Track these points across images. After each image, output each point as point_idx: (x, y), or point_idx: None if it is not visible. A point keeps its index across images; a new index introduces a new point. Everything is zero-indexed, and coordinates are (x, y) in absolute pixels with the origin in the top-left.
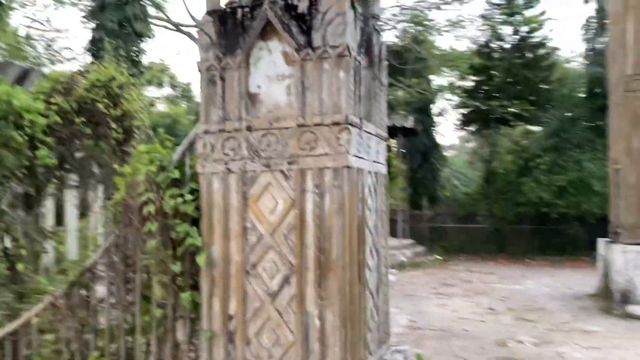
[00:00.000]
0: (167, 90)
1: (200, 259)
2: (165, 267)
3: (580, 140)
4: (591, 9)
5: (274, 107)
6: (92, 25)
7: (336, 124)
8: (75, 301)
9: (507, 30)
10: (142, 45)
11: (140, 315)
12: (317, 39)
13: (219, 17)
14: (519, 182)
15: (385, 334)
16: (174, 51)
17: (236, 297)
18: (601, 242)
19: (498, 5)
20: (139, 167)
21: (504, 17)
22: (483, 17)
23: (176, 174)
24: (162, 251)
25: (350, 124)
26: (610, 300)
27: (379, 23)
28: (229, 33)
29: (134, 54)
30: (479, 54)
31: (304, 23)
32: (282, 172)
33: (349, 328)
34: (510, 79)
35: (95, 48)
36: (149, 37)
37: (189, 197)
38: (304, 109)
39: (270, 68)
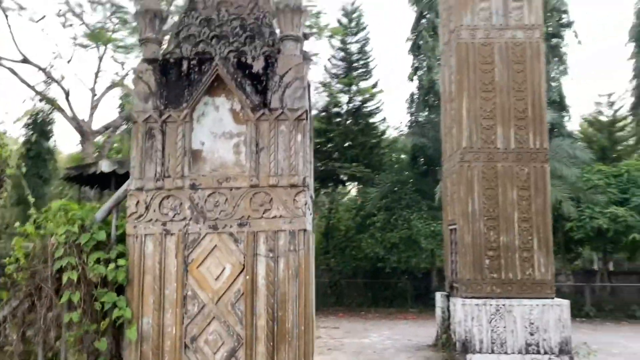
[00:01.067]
0: None
1: (130, 333)
2: (88, 344)
3: (409, 201)
4: (414, 85)
5: (220, 166)
6: None
7: (293, 186)
8: None
9: (344, 98)
10: None
11: None
12: (274, 101)
13: (161, 66)
14: (356, 238)
15: None
16: None
17: None
18: (438, 296)
19: (336, 75)
20: (53, 227)
21: (341, 86)
22: (323, 84)
23: (102, 236)
24: (83, 325)
25: (306, 187)
26: (451, 349)
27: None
28: (172, 84)
29: None
30: (318, 117)
31: (260, 83)
32: (231, 234)
33: None
34: (347, 142)
35: None
36: None
37: (121, 262)
38: (257, 170)
39: (216, 125)
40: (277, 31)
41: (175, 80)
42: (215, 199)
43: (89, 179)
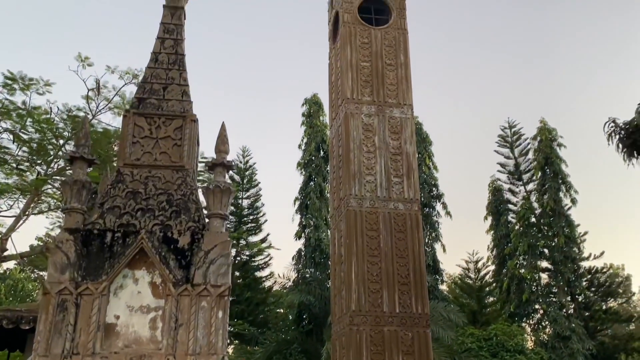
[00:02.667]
0: None
1: None
2: None
3: None
4: (301, 243)
5: (134, 341)
6: None
7: None
8: None
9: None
10: None
11: None
12: (197, 276)
13: (83, 237)
14: None
15: None
16: None
17: None
18: None
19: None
20: None
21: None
22: None
23: None
24: None
25: None
26: None
27: None
28: (93, 255)
29: None
30: None
31: (184, 258)
32: None
33: None
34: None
35: None
36: None
37: None
38: (174, 346)
39: (134, 298)
40: (204, 207)
41: (97, 251)
42: None
43: None
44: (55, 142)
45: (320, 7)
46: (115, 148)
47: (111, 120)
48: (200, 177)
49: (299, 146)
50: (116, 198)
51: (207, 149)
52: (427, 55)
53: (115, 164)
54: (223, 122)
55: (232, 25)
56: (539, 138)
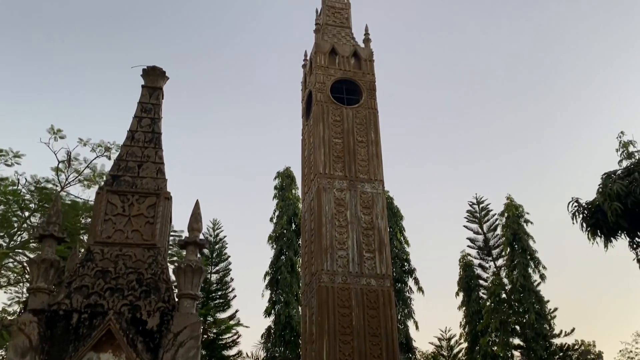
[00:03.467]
0: None
1: None
2: None
3: None
4: (271, 320)
5: None
6: None
7: None
8: None
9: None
10: None
11: None
12: (165, 359)
13: (47, 318)
14: None
15: None
16: None
17: None
18: None
19: None
20: None
21: None
22: None
23: None
24: None
25: None
26: None
27: None
28: (57, 338)
29: None
30: None
31: (152, 340)
32: None
33: None
34: None
35: None
36: None
37: None
38: None
39: None
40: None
41: (62, 333)
42: None
43: None
44: (21, 214)
45: (294, 86)
46: (83, 221)
47: (80, 193)
48: (170, 251)
49: (271, 219)
50: (85, 277)
51: (177, 223)
52: (397, 132)
53: (82, 238)
54: (197, 200)
55: (205, 101)
56: (506, 214)
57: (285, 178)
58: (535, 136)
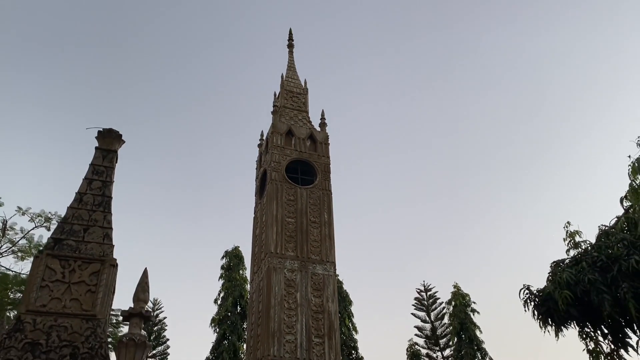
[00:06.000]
0: None
1: None
2: None
3: None
4: None
5: None
6: None
7: None
8: None
9: None
10: None
11: None
12: None
13: None
14: None
15: None
16: None
17: None
18: None
19: None
20: None
21: None
22: None
23: None
24: None
25: None
26: None
27: None
28: None
29: None
30: None
31: None
32: None
33: None
34: None
35: None
36: None
37: None
38: None
39: None
40: None
41: None
42: None
43: None
44: None
45: (248, 164)
46: (12, 295)
47: (12, 265)
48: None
49: (215, 300)
50: (10, 350)
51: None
52: (349, 214)
53: (9, 313)
54: (145, 269)
55: (155, 171)
56: (453, 303)
57: (233, 258)
58: (483, 224)
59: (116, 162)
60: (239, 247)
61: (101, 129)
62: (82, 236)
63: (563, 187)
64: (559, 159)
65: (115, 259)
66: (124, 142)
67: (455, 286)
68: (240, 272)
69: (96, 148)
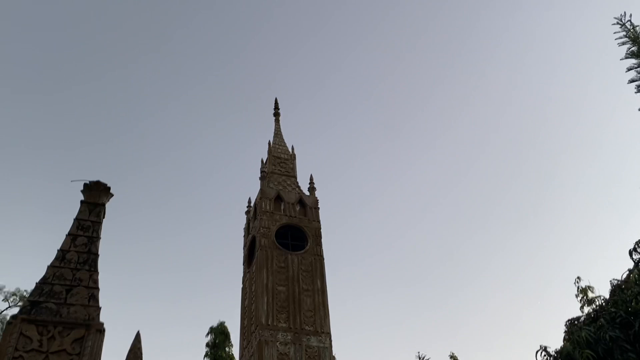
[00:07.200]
0: None
1: None
2: None
3: None
4: None
5: None
6: None
7: None
8: None
9: None
10: None
11: None
12: None
13: None
14: None
15: None
16: None
17: None
18: None
19: None
20: None
21: None
22: None
23: None
24: None
25: None
26: None
27: None
28: None
29: None
30: None
31: None
32: None
33: None
34: None
35: None
36: None
37: None
38: None
39: None
40: None
41: None
42: None
43: None
44: None
45: (234, 234)
46: None
47: None
48: None
49: None
50: None
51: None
52: (342, 280)
53: None
54: (138, 332)
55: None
56: None
57: (219, 334)
58: (480, 288)
59: (104, 217)
60: (224, 322)
61: (87, 182)
62: (64, 298)
63: (559, 249)
64: (554, 213)
65: (102, 323)
66: (112, 195)
67: (452, 356)
68: (227, 349)
69: (82, 202)
